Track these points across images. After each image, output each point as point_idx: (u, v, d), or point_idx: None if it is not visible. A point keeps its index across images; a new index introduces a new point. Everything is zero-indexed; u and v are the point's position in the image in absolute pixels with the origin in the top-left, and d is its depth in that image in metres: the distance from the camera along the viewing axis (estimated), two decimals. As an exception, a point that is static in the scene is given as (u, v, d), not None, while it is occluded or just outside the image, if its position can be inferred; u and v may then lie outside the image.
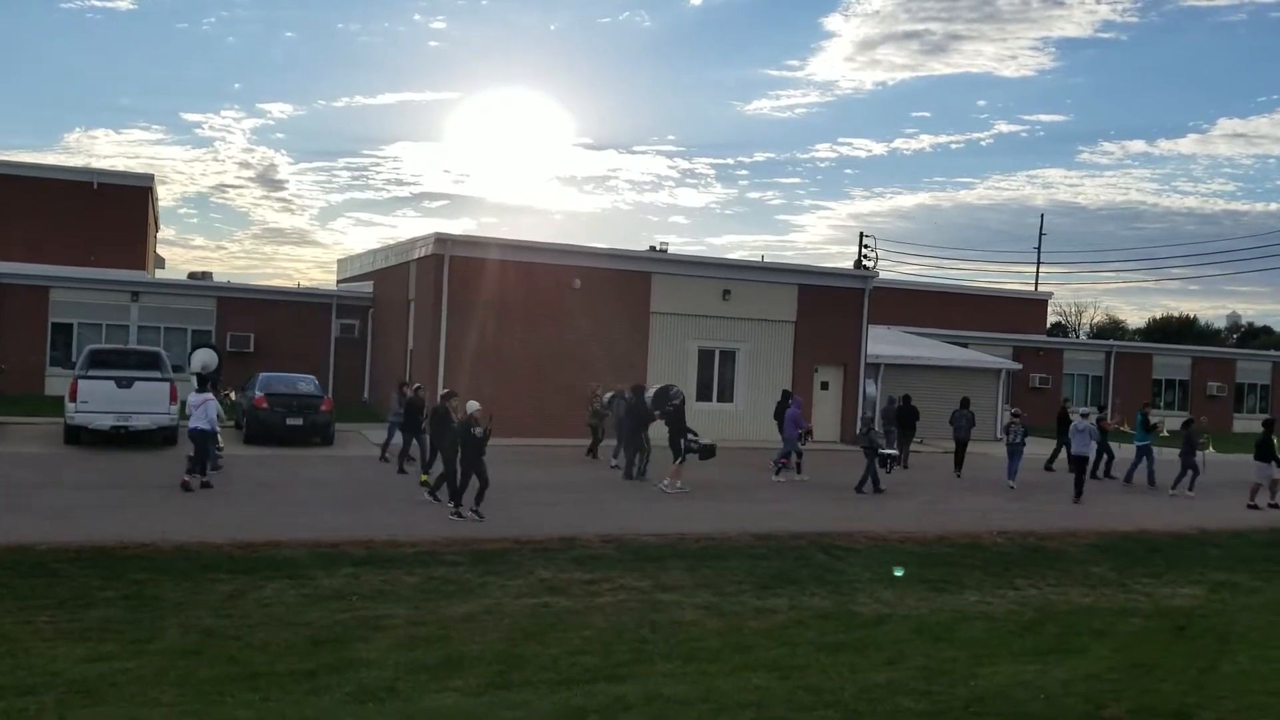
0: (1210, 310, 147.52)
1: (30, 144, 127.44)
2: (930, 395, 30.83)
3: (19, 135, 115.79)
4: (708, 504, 17.56)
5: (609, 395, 22.38)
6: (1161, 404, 42.93)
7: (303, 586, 10.86)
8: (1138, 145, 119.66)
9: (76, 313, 31.07)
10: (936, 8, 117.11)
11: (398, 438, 20.00)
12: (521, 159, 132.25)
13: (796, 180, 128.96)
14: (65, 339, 30.82)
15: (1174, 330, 74.56)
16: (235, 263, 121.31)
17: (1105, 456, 24.06)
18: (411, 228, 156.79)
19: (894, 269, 61.33)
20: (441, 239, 26.20)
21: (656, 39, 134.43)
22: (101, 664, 8.28)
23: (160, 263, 47.14)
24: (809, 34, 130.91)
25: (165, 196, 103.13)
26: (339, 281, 40.16)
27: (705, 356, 28.78)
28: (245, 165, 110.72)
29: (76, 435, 20.55)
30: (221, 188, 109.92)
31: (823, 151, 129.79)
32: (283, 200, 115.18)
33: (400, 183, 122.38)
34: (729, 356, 29.13)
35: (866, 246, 56.79)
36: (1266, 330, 79.92)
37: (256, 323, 32.15)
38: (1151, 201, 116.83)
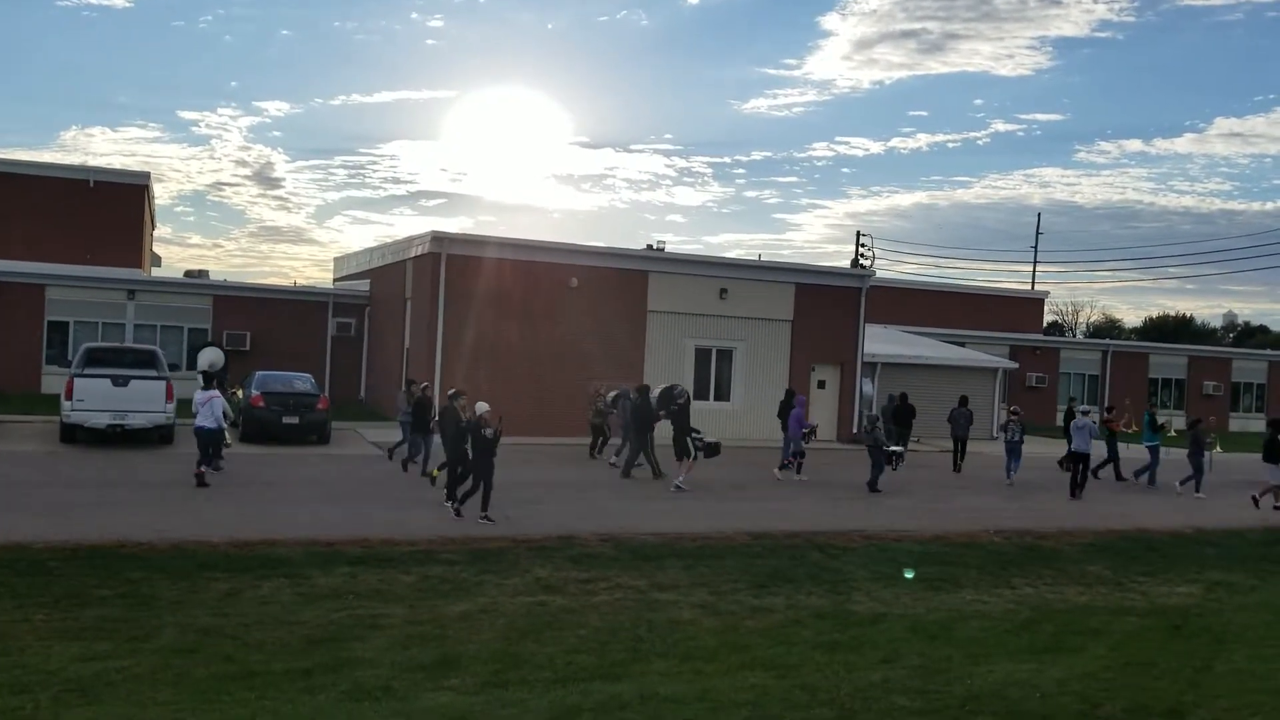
0: (1206, 309, 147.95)
1: (26, 142, 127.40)
2: (927, 394, 30.88)
3: (15, 133, 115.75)
4: (705, 503, 17.57)
5: (613, 394, 22.41)
6: (1158, 403, 42.96)
7: (299, 585, 10.85)
8: (1134, 144, 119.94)
9: (73, 311, 31.03)
10: (933, 7, 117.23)
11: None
12: (519, 157, 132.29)
13: (794, 179, 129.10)
14: (61, 337, 30.78)
15: (1170, 329, 74.70)
16: (232, 261, 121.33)
17: (1112, 458, 23.95)
18: (408, 226, 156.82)
19: (891, 268, 61.30)
20: (438, 237, 26.19)
21: (654, 38, 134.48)
22: (97, 663, 8.27)
23: (157, 261, 47.09)
24: (806, 33, 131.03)
25: (161, 194, 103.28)
26: (335, 280, 40.14)
27: (702, 355, 28.80)
28: (242, 163, 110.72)
29: (72, 434, 20.52)
30: (218, 186, 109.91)
31: (820, 150, 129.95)
32: (279, 198, 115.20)
33: (397, 181, 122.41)
34: (726, 355, 29.15)
35: (863, 245, 56.84)
36: (1263, 329, 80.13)
37: (253, 321, 32.12)
38: (1148, 201, 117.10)
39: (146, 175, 40.52)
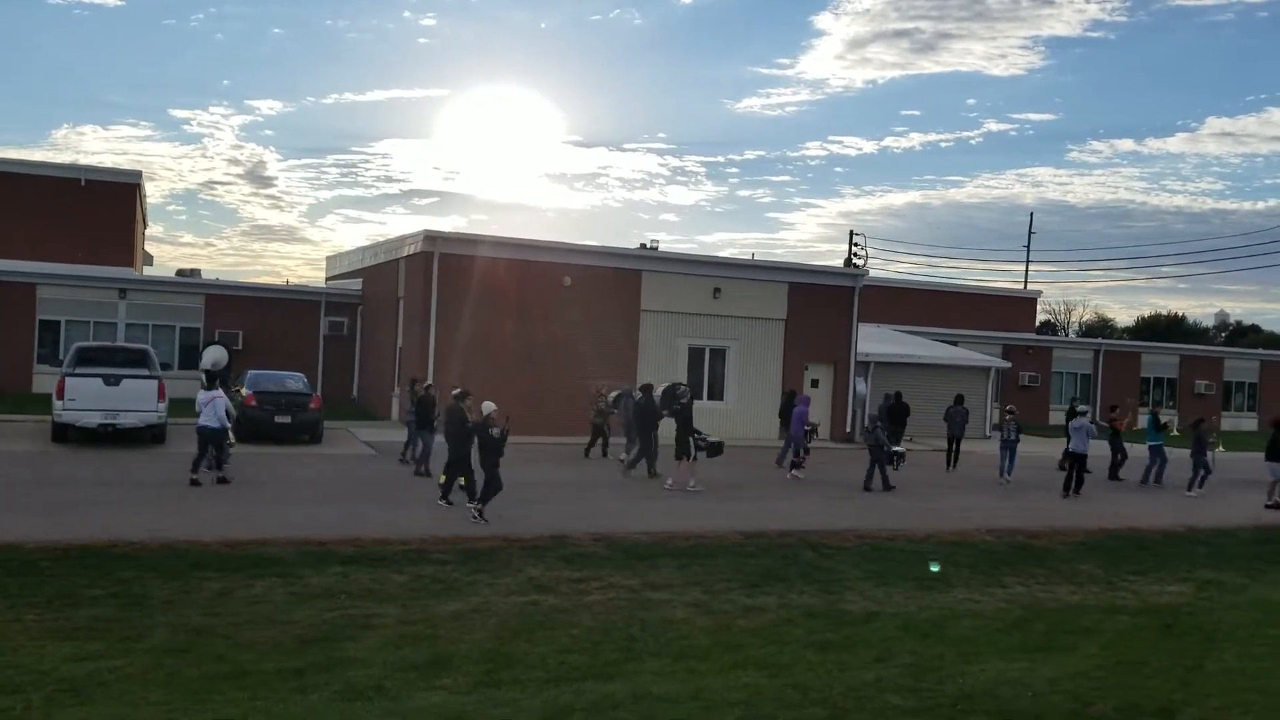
0: (1198, 309, 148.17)
1: (18, 140, 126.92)
2: (920, 393, 30.93)
3: (6, 132, 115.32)
4: (698, 502, 17.58)
5: (614, 394, 22.42)
6: (1149, 402, 43.10)
7: (291, 585, 10.83)
8: (1127, 144, 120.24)
9: (64, 310, 30.95)
10: (926, 6, 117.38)
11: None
12: (512, 156, 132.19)
13: (787, 178, 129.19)
14: (53, 336, 30.68)
15: (1162, 328, 74.90)
16: (224, 260, 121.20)
17: (1119, 457, 23.95)
18: (401, 225, 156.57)
19: (884, 267, 61.51)
20: (431, 236, 26.16)
21: (647, 37, 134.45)
22: (89, 663, 8.25)
23: (148, 260, 46.94)
24: (799, 32, 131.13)
25: (153, 193, 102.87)
26: (328, 279, 40.06)
27: (695, 354, 28.81)
28: (234, 162, 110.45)
29: (64, 433, 20.45)
30: (210, 184, 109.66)
31: (813, 149, 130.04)
32: (271, 197, 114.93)
33: (390, 180, 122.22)
34: (719, 354, 29.16)
35: (857, 244, 56.91)
36: (1254, 329, 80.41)
37: (245, 320, 32.06)
38: (1140, 200, 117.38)
39: (138, 174, 40.39)
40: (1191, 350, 49.06)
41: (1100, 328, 77.15)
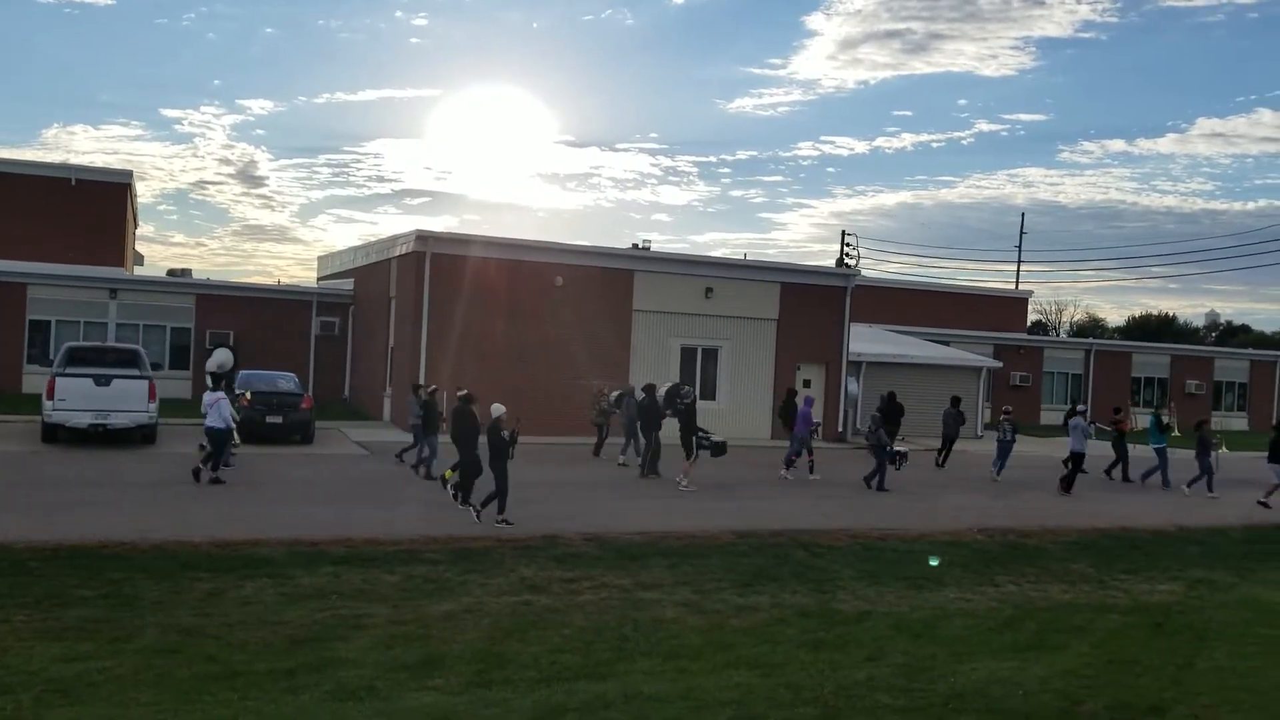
0: (1189, 309, 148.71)
1: (8, 139, 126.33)
2: (912, 393, 30.94)
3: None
4: (691, 502, 17.59)
5: (616, 394, 22.41)
6: (1140, 402, 43.24)
7: (282, 585, 10.80)
8: (1117, 144, 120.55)
9: (54, 310, 30.80)
10: (918, 7, 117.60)
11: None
12: (504, 156, 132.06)
13: (779, 178, 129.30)
14: (43, 336, 30.54)
15: (1153, 328, 75.17)
16: (215, 260, 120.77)
17: (1121, 460, 23.96)
18: (393, 225, 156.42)
19: (876, 267, 61.40)
20: (423, 236, 26.12)
21: (639, 37, 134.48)
22: (79, 663, 8.22)
23: (139, 260, 46.77)
24: (791, 32, 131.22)
25: (144, 193, 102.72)
26: (320, 279, 39.98)
27: (688, 354, 28.81)
28: (225, 161, 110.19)
29: (54, 433, 20.37)
30: (201, 184, 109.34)
31: (805, 150, 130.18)
32: (263, 197, 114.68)
33: (381, 179, 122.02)
34: (711, 354, 29.17)
35: (848, 245, 57.02)
36: (1244, 329, 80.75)
37: (236, 320, 31.95)
38: (1131, 200, 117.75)
39: (129, 173, 40.26)
40: (1182, 350, 49.22)
41: (1091, 328, 77.41)
